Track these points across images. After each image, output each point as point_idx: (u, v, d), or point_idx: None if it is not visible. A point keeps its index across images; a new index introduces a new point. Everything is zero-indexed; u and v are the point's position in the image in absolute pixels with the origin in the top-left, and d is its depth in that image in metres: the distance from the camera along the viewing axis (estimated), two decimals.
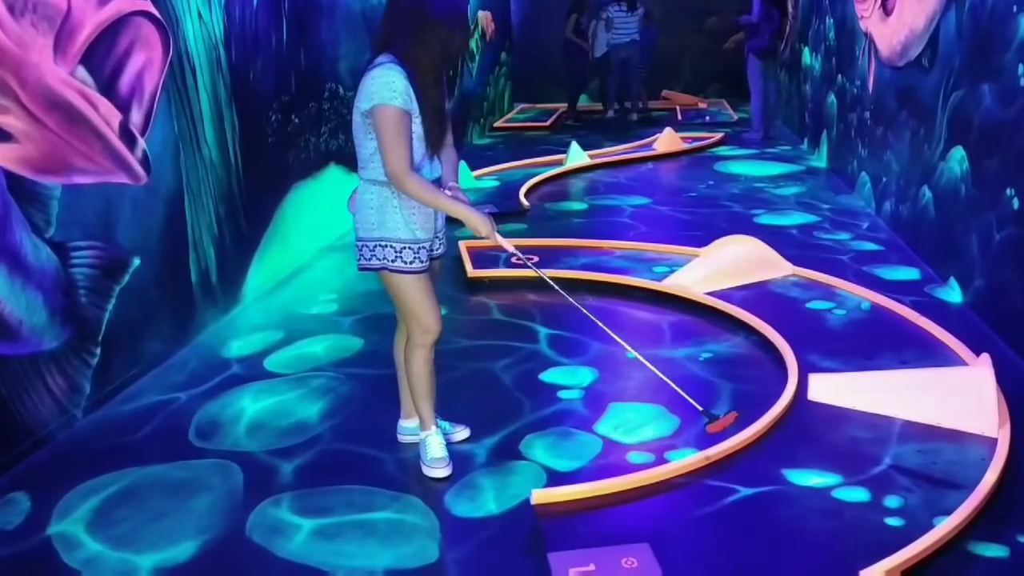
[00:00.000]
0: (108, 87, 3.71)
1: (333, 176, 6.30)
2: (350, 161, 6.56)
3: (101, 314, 3.69)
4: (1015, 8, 3.98)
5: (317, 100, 6.03)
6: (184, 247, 4.33)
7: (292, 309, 4.85)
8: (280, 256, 5.36)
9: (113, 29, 3.74)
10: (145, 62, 3.98)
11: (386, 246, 2.88)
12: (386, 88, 2.71)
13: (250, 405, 3.67)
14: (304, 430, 3.43)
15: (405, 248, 2.88)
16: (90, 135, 3.60)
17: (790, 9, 10.59)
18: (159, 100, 4.07)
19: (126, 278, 3.84)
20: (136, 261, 3.91)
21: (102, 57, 3.68)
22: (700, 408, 3.21)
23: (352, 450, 3.28)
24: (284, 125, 5.50)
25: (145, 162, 3.96)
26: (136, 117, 3.90)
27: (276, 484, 3.04)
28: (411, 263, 2.89)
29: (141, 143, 3.93)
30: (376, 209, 2.89)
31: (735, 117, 11.88)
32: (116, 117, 3.75)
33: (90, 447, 3.36)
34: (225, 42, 4.74)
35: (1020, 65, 3.90)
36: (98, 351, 3.66)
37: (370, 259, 2.92)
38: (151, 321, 4.04)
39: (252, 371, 4.01)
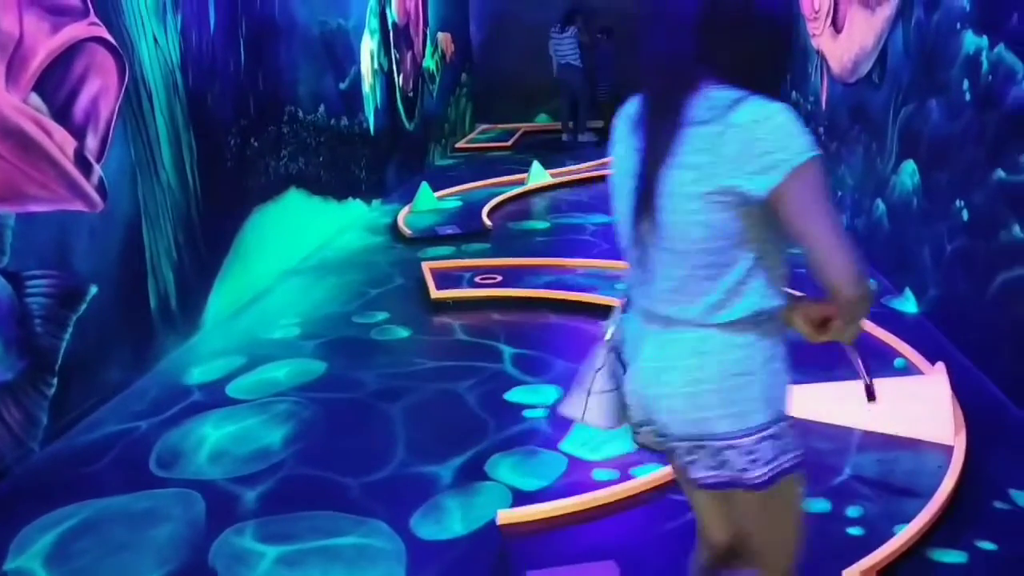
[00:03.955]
0: (62, 114, 3.68)
1: (294, 199, 6.27)
2: (311, 184, 6.58)
3: (58, 344, 3.63)
4: (958, 25, 4.10)
5: (276, 123, 6.02)
6: (142, 273, 4.28)
7: (254, 334, 4.81)
8: (241, 280, 5.32)
9: (67, 55, 3.71)
10: (100, 88, 3.95)
11: (784, 432, 1.70)
12: (805, 132, 1.52)
13: (212, 432, 3.62)
14: (267, 456, 3.40)
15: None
16: (44, 162, 3.56)
17: None
18: (115, 126, 4.04)
19: (83, 306, 3.79)
20: (93, 289, 3.85)
21: (56, 84, 3.64)
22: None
23: (316, 475, 3.25)
24: (243, 149, 5.47)
25: (101, 188, 3.92)
26: (91, 143, 3.87)
27: (239, 512, 3.01)
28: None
29: (97, 169, 3.89)
30: (760, 372, 1.67)
31: None
32: (71, 144, 3.71)
33: (48, 480, 3.30)
34: (182, 67, 4.71)
35: (964, 80, 4.01)
36: (55, 381, 3.60)
37: (771, 461, 1.66)
38: (110, 349, 3.99)
39: (213, 398, 3.97)
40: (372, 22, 8.39)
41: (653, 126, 1.59)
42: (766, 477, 1.64)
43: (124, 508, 3.07)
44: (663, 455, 1.86)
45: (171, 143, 4.58)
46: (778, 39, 1.61)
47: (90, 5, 3.88)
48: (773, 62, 1.62)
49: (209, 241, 4.97)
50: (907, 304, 4.73)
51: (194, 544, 2.83)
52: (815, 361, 4.03)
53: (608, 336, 1.78)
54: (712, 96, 1.54)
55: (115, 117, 4.05)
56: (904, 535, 2.62)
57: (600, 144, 11.60)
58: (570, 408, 1.82)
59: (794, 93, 8.08)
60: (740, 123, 1.49)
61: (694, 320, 1.61)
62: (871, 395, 1.98)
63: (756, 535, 1.81)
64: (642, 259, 1.66)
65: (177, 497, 3.12)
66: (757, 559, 1.83)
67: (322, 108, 6.91)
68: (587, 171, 9.50)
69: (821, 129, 6.99)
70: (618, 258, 6.01)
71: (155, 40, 4.45)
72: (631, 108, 1.71)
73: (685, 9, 1.54)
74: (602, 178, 9.19)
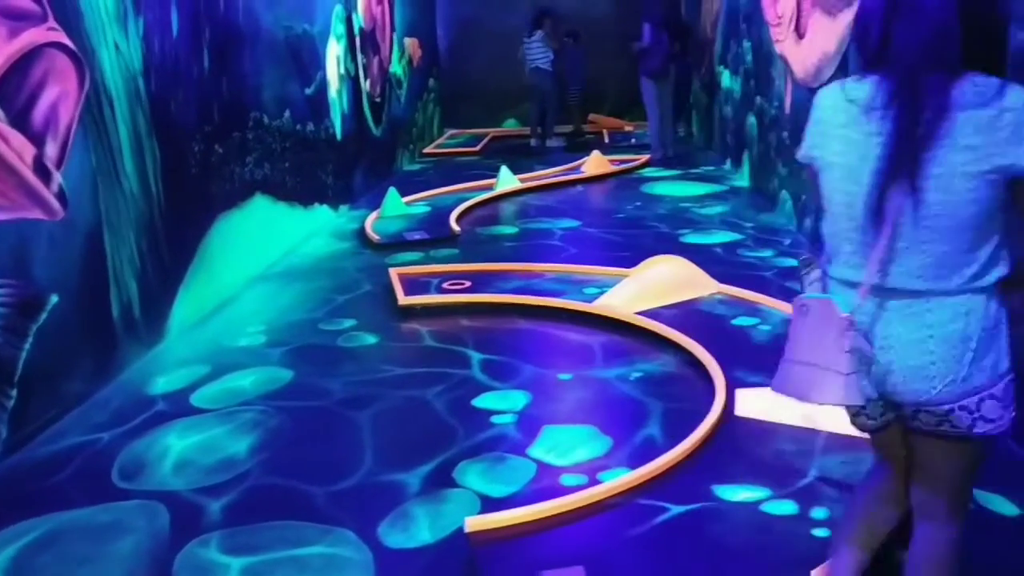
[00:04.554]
0: (20, 120, 3.61)
1: (259, 206, 6.22)
2: (276, 190, 6.53)
3: (17, 354, 3.57)
4: None
5: (241, 129, 5.97)
6: (104, 282, 4.22)
7: (219, 342, 4.76)
8: (206, 288, 5.26)
9: (25, 61, 3.65)
10: (59, 94, 3.89)
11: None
12: None
13: (176, 442, 3.57)
14: (232, 466, 3.36)
15: None
16: (2, 170, 3.49)
17: (709, 33, 10.87)
18: (75, 132, 3.98)
19: (43, 316, 3.72)
20: (54, 298, 3.79)
21: (14, 90, 3.58)
22: None
23: (282, 484, 3.22)
24: (207, 155, 5.41)
25: (61, 196, 3.86)
26: (51, 150, 3.81)
27: (204, 523, 2.97)
28: None
29: (57, 177, 3.83)
30: (1003, 323, 1.80)
31: None
32: (30, 151, 3.65)
33: (7, 493, 3.23)
34: (144, 73, 4.66)
35: None
36: (15, 392, 3.53)
37: (1010, 403, 1.81)
38: (71, 359, 3.92)
39: (178, 407, 3.91)
40: (338, 27, 8.35)
41: (911, 110, 1.67)
42: (1004, 423, 1.79)
43: (86, 521, 3.01)
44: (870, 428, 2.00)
45: (133, 150, 4.52)
46: (1000, 31, 1.80)
47: (49, 10, 3.82)
48: (999, 50, 1.79)
49: (173, 249, 4.91)
50: None
51: (158, 557, 2.78)
52: (778, 364, 4.06)
53: (853, 318, 1.79)
54: (976, 82, 1.67)
55: (75, 124, 3.99)
56: None
57: (569, 148, 11.65)
58: (826, 394, 1.81)
59: (759, 98, 8.16)
60: (1014, 107, 1.64)
61: (951, 289, 1.73)
62: None
63: (959, 479, 1.94)
64: (874, 239, 1.74)
65: (140, 509, 3.07)
66: (953, 501, 1.96)
67: (288, 114, 6.87)
68: (555, 176, 9.53)
69: (785, 133, 7.07)
70: (585, 263, 5.98)
71: (116, 46, 4.39)
72: (854, 93, 1.77)
73: (947, 2, 1.68)
74: (572, 183, 9.23)
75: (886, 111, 1.70)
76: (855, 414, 1.98)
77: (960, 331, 1.73)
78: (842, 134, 1.78)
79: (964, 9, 1.67)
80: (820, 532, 2.76)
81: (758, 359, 4.13)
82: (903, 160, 1.67)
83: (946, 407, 1.78)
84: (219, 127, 5.58)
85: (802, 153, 1.92)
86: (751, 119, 8.47)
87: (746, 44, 8.70)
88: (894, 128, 1.69)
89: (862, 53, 1.81)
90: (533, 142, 11.96)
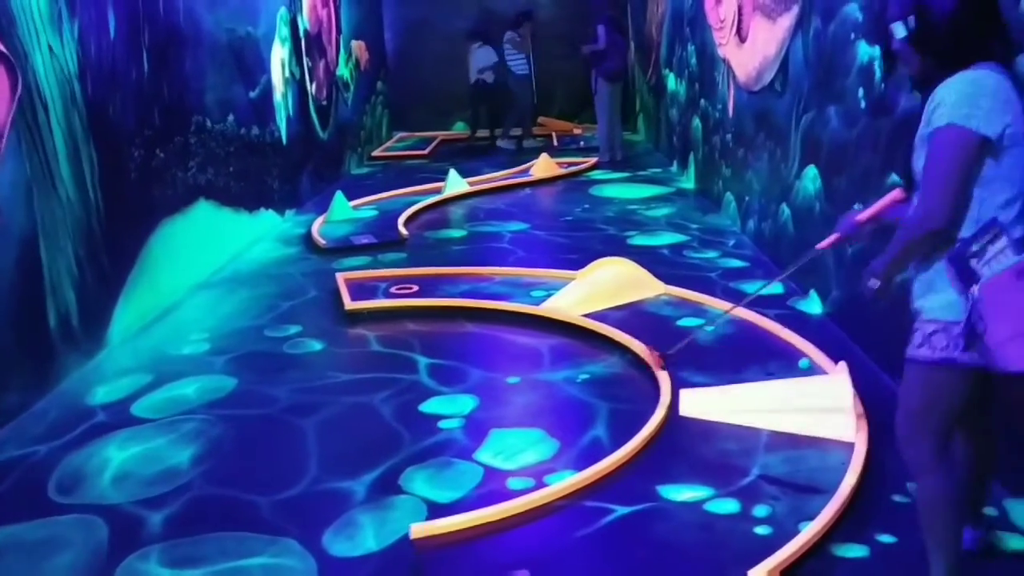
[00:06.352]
0: None
1: (203, 211, 6.12)
2: (220, 195, 6.44)
3: None
4: (852, 36, 4.25)
5: (183, 134, 5.87)
6: (40, 291, 4.11)
7: (162, 350, 4.67)
8: (148, 296, 5.16)
9: None
10: None
11: None
12: None
13: (116, 454, 3.50)
14: (174, 477, 3.30)
15: None
16: None
17: (655, 37, 10.97)
18: (7, 138, 3.88)
19: None
20: None
21: None
22: None
23: (225, 494, 3.17)
24: (148, 160, 5.31)
25: None
26: None
27: (144, 536, 2.91)
28: None
29: None
30: None
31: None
32: None
33: None
34: (80, 76, 4.55)
35: (860, 89, 4.16)
36: None
37: None
38: (5, 371, 3.82)
39: (118, 418, 3.83)
40: (283, 30, 8.26)
41: None
42: None
43: (20, 537, 2.93)
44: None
45: (70, 156, 4.42)
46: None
47: None
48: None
49: (113, 256, 4.80)
50: (812, 305, 4.88)
51: (96, 572, 2.72)
52: (721, 364, 4.12)
53: None
54: None
55: (7, 129, 3.89)
56: (808, 532, 2.69)
57: (519, 151, 11.65)
58: None
59: (703, 101, 8.26)
60: None
61: None
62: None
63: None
64: None
65: (78, 523, 3.00)
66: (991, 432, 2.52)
67: (231, 117, 6.77)
68: (504, 179, 9.53)
69: (729, 136, 7.17)
70: (534, 265, 5.94)
71: (50, 49, 4.29)
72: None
73: None
74: (520, 186, 9.24)
75: None
76: None
77: None
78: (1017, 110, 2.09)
79: None
80: (762, 529, 2.80)
81: (703, 359, 4.18)
82: None
83: None
84: (160, 131, 5.48)
85: (998, 132, 2.05)
86: (696, 122, 8.57)
87: (690, 48, 8.81)
88: None
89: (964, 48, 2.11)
90: (521, 141, 12.09)
